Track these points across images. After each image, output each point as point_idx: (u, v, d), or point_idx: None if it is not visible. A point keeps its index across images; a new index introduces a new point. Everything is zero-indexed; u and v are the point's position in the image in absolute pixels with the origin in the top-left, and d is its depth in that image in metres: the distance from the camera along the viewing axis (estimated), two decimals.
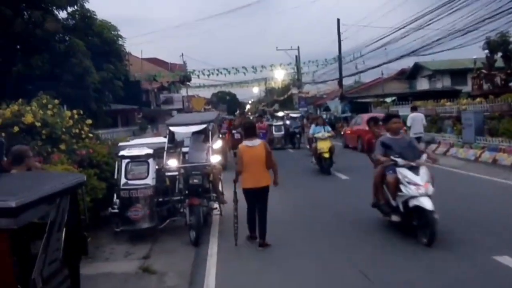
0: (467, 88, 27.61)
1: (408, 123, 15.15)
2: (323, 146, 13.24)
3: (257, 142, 6.84)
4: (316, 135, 13.65)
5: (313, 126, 14.58)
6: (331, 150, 13.27)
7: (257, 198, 6.72)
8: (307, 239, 7.11)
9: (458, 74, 32.75)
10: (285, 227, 7.80)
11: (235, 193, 6.99)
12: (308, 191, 11.34)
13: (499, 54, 23.61)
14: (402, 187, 6.42)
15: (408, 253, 6.04)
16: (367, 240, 6.78)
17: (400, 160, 6.58)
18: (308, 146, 15.75)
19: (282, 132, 22.72)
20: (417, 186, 6.27)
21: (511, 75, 23.02)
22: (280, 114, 28.36)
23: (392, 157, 6.65)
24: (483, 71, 23.60)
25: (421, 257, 5.84)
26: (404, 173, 6.47)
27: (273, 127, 22.71)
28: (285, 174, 11.96)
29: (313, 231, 7.58)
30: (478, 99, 17.85)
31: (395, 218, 6.74)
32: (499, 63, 23.73)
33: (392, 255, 6.02)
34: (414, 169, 6.51)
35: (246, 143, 6.83)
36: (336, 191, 11.14)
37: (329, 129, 14.30)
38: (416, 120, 15.56)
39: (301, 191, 11.33)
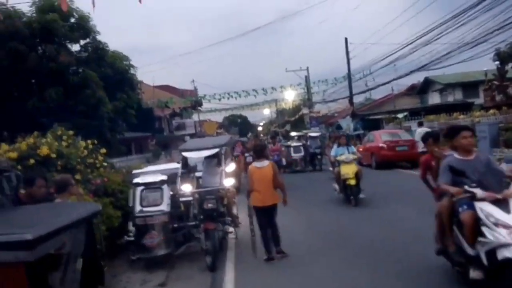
0: (479, 100, 27.42)
1: (417, 138, 16.13)
2: (348, 171, 11.02)
3: (265, 163, 7.34)
4: (338, 158, 11.55)
5: (335, 146, 12.62)
6: (357, 176, 11.01)
7: (266, 216, 7.26)
8: (330, 269, 7.01)
9: (469, 86, 32.56)
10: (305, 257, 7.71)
11: (249, 208, 7.32)
12: (332, 223, 9.56)
13: (510, 64, 23.49)
14: (485, 230, 4.47)
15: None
16: None
17: (479, 192, 4.66)
18: (331, 168, 13.77)
19: (302, 153, 20.85)
20: (510, 230, 4.30)
21: None
22: (297, 133, 26.09)
23: (466, 187, 4.76)
24: (495, 82, 23.46)
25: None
26: (487, 209, 4.53)
27: (291, 149, 20.86)
28: (305, 203, 11.85)
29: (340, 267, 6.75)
30: (491, 111, 17.71)
31: (475, 274, 4.64)
32: (510, 73, 23.59)
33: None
34: (502, 204, 4.55)
35: (255, 164, 7.40)
36: (364, 221, 9.33)
37: (354, 149, 12.05)
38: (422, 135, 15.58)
39: (325, 224, 9.58)
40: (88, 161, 9.22)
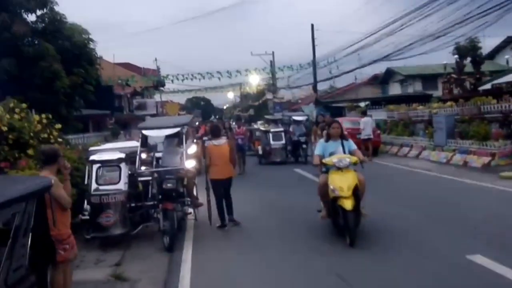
0: (438, 92, 28.21)
1: (361, 127, 17.80)
2: (341, 185, 6.55)
3: (222, 141, 8.44)
4: (326, 160, 6.94)
5: (321, 140, 7.66)
6: (356, 194, 6.59)
7: (224, 187, 8.24)
8: (286, 245, 7.06)
9: (429, 79, 33.43)
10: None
11: (207, 182, 8.24)
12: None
13: (468, 59, 24.26)
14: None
15: (380, 255, 6.02)
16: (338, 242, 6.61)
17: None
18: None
19: (283, 142, 17.82)
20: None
21: (480, 79, 23.69)
22: (276, 117, 22.55)
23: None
24: (453, 75, 24.18)
25: (395, 259, 5.86)
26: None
27: (270, 135, 17.82)
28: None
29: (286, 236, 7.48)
30: (448, 103, 18.22)
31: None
32: (468, 68, 24.36)
33: (365, 258, 5.97)
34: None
35: (213, 142, 8.34)
36: None
37: (353, 146, 7.33)
38: (366, 123, 17.87)
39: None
40: (42, 136, 8.81)
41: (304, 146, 17.38)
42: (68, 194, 4.81)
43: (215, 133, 8.50)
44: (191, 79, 34.82)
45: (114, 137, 19.61)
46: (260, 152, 18.57)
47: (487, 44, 28.29)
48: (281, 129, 18.49)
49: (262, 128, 20.08)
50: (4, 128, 7.76)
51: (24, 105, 9.15)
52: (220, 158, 8.13)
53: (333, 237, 6.91)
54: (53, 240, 4.18)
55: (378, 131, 20.05)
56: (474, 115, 15.50)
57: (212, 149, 8.21)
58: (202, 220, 8.40)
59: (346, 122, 19.95)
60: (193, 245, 7.22)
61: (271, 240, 7.24)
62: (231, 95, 66.40)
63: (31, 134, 8.38)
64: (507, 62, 28.95)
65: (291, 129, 18.36)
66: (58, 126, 9.49)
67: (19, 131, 8.01)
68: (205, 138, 13.84)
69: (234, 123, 22.74)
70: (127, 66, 39.30)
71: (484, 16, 14.48)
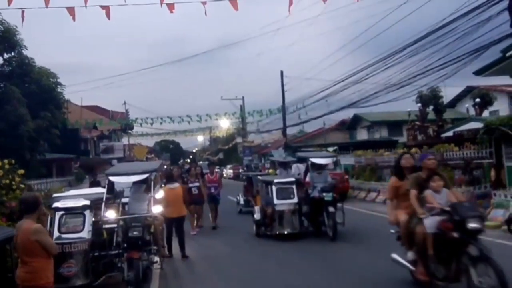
0: (403, 138, 28.99)
1: (292, 171, 17.94)
2: None
3: (176, 185, 9.83)
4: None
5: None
6: None
7: (176, 224, 9.40)
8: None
9: (394, 125, 34.44)
10: None
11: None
12: None
13: (431, 107, 25.22)
14: None
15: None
16: None
17: None
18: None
19: (295, 200, 10.97)
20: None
21: (442, 126, 24.55)
22: (286, 158, 16.37)
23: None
24: (417, 123, 25.00)
25: None
26: None
27: (273, 189, 11.06)
28: None
29: None
30: (413, 149, 18.69)
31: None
32: (431, 115, 25.27)
33: None
34: None
35: (168, 186, 9.66)
36: None
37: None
38: (298, 169, 18.64)
39: None
40: (4, 182, 8.53)
41: (331, 208, 10.29)
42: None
43: (169, 178, 10.03)
44: (161, 123, 34.78)
45: (79, 181, 19.15)
46: (258, 216, 11.37)
47: (448, 93, 29.58)
48: (291, 179, 11.59)
49: (260, 178, 13.59)
50: None
51: None
52: (174, 199, 9.33)
53: None
54: None
55: (346, 176, 20.30)
56: (438, 161, 15.91)
57: (167, 192, 9.30)
58: (168, 269, 8.12)
59: None
60: None
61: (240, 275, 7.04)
62: (200, 139, 66.46)
63: None
64: (467, 110, 30.20)
65: (307, 178, 11.60)
66: (21, 171, 9.23)
67: None
68: (191, 184, 12.53)
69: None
70: (95, 109, 38.99)
71: (443, 68, 15.17)
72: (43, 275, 4.49)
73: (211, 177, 13.81)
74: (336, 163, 18.93)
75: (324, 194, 10.49)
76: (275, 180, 11.36)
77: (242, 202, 16.29)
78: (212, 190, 13.24)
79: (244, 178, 18.34)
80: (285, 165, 14.14)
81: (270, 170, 16.72)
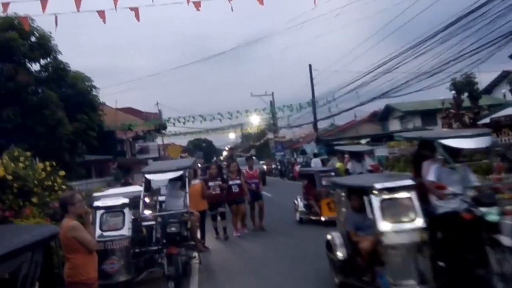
0: (438, 127, 28.37)
1: (312, 165, 20.10)
2: None
3: (196, 181, 10.15)
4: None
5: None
6: None
7: (202, 217, 9.70)
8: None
9: (428, 114, 33.69)
10: None
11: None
12: None
13: (466, 94, 24.58)
14: None
15: None
16: None
17: None
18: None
19: (419, 224, 5.31)
20: None
21: (478, 113, 23.88)
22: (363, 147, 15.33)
23: None
24: (452, 111, 24.41)
25: None
26: None
27: (375, 203, 5.49)
28: None
29: None
30: None
31: None
32: (466, 102, 24.64)
33: None
34: None
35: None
36: None
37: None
38: (316, 163, 21.73)
39: None
40: (46, 184, 8.88)
41: (505, 240, 5.01)
42: (92, 235, 4.98)
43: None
44: (193, 122, 35.22)
45: (117, 181, 19.65)
46: (341, 253, 6.15)
47: (484, 79, 28.74)
48: (407, 181, 5.78)
49: (336, 180, 8.13)
50: (9, 177, 7.83)
51: (28, 154, 9.27)
52: (194, 195, 9.20)
53: None
54: (82, 286, 4.23)
55: (381, 168, 20.06)
56: (473, 149, 15.54)
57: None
58: (207, 263, 8.29)
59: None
60: None
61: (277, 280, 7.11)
62: (232, 136, 66.81)
63: (35, 182, 8.45)
64: (504, 96, 29.28)
65: (432, 177, 5.69)
66: (62, 173, 9.58)
67: (24, 179, 8.08)
68: (231, 182, 11.42)
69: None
70: (129, 111, 39.80)
71: (476, 53, 14.79)
72: (83, 271, 4.64)
73: (251, 172, 12.30)
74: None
75: (482, 210, 5.08)
76: (377, 185, 5.58)
77: (301, 207, 12.37)
78: (253, 187, 11.92)
79: (303, 175, 14.33)
80: (359, 156, 11.84)
81: (338, 164, 13.00)
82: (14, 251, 3.04)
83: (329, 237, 6.58)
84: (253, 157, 16.90)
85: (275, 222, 12.30)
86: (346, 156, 13.11)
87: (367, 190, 5.70)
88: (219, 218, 11.18)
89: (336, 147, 16.41)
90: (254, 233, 11.49)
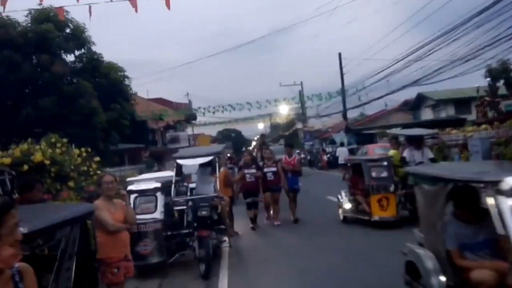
0: (472, 116, 27.65)
1: (337, 154, 22.63)
2: None
3: (221, 169, 9.32)
4: None
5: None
6: None
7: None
8: (328, 265, 6.99)
9: (461, 103, 32.87)
10: None
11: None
12: None
13: (501, 81, 23.86)
14: None
15: None
16: None
17: None
18: None
19: None
20: None
21: None
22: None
23: None
24: (487, 98, 23.74)
25: None
26: None
27: (505, 207, 3.14)
28: None
29: None
30: (483, 126, 17.85)
31: None
32: (502, 90, 23.91)
33: None
34: None
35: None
36: None
37: None
38: (341, 152, 23.38)
39: None
40: (82, 169, 9.16)
41: None
42: (132, 218, 5.11)
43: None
44: (222, 111, 35.42)
45: (149, 169, 20.06)
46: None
47: None
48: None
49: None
50: (47, 162, 8.12)
51: (64, 140, 9.58)
52: (220, 183, 8.65)
53: None
54: (101, 264, 4.36)
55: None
56: (510, 137, 15.12)
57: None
58: (237, 247, 8.44)
59: (377, 148, 19.84)
60: (228, 272, 7.27)
61: (308, 266, 7.20)
62: (261, 126, 66.88)
63: (72, 167, 8.73)
64: None
65: None
66: (97, 159, 9.85)
67: (61, 164, 8.36)
68: (246, 170, 10.90)
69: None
70: (160, 101, 40.39)
71: None
72: (102, 249, 4.62)
73: (289, 159, 11.49)
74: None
75: None
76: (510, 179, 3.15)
77: (347, 204, 10.45)
78: (289, 177, 11.14)
79: (347, 165, 12.00)
80: (418, 142, 9.91)
81: (391, 151, 10.42)
82: (55, 225, 3.20)
83: (412, 256, 4.49)
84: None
85: (309, 216, 11.51)
86: (401, 142, 11.08)
87: (488, 187, 3.52)
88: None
89: (389, 131, 14.39)
90: (289, 223, 10.95)
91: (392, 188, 9.38)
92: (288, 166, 11.25)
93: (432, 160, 9.67)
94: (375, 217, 9.30)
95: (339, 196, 10.75)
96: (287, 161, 11.42)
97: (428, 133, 11.60)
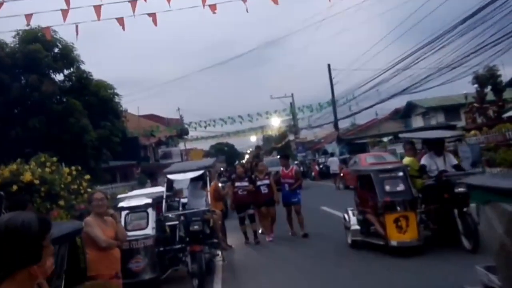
0: (462, 122, 27.90)
1: (328, 164, 24.00)
2: None
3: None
4: None
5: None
6: None
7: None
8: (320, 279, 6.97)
9: (451, 109, 33.20)
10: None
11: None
12: None
13: (489, 87, 24.14)
14: None
15: None
16: None
17: None
18: None
19: None
20: None
21: (503, 106, 23.44)
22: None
23: None
24: (475, 105, 23.99)
25: None
26: None
27: None
28: None
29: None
30: (472, 132, 18.03)
31: None
32: (490, 96, 24.19)
33: None
34: None
35: None
36: None
37: None
38: (333, 162, 24.86)
39: None
40: (72, 188, 9.12)
41: None
42: (122, 235, 5.03)
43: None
44: (213, 125, 35.49)
45: (141, 186, 19.99)
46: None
47: (508, 72, 28.15)
48: None
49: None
50: (36, 181, 8.08)
51: (54, 159, 9.55)
52: (211, 197, 8.48)
53: None
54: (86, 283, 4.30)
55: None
56: (499, 142, 15.28)
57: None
58: (230, 261, 8.39)
59: (369, 157, 19.90)
60: (222, 287, 7.21)
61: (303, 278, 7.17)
62: (253, 139, 66.94)
63: (62, 186, 8.69)
64: None
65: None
66: (87, 177, 9.81)
67: (51, 183, 8.33)
68: (238, 183, 10.48)
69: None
70: (151, 117, 40.41)
71: (497, 44, 14.57)
72: (93, 266, 4.69)
73: (286, 171, 10.84)
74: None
75: None
76: None
77: (354, 224, 8.63)
78: (286, 188, 10.59)
79: (357, 177, 9.63)
80: (439, 147, 8.37)
81: (407, 159, 8.68)
82: None
83: None
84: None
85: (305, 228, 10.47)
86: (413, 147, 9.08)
87: None
88: (247, 222, 10.51)
89: (401, 135, 12.55)
90: (284, 237, 10.50)
91: (411, 204, 7.57)
92: (286, 179, 10.60)
93: (458, 168, 8.12)
94: (393, 242, 7.44)
95: (346, 216, 8.90)
96: (284, 173, 10.79)
97: (451, 135, 9.85)
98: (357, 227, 8.46)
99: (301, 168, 38.47)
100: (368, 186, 8.25)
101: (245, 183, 10.44)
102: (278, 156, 19.53)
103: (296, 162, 28.34)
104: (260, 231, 10.83)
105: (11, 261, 1.63)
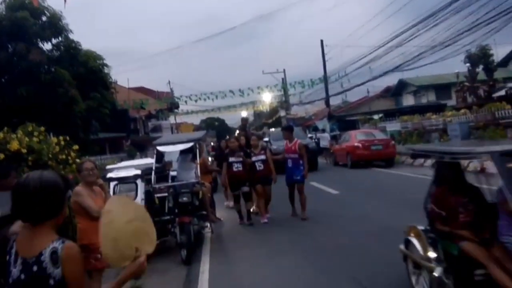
0: (452, 101, 28.05)
1: (319, 139, 24.09)
2: None
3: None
4: None
5: None
6: None
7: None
8: (305, 252, 7.06)
9: (442, 88, 33.33)
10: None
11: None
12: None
13: (481, 67, 24.21)
14: None
15: None
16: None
17: None
18: None
19: None
20: None
21: (493, 86, 23.56)
22: None
23: None
24: (466, 84, 24.10)
25: None
26: None
27: None
28: None
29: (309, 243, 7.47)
30: (462, 111, 18.17)
31: None
32: (481, 75, 24.28)
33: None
34: None
35: None
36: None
37: None
38: (323, 137, 25.48)
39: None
40: (60, 157, 9.02)
41: None
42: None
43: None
44: (204, 100, 35.22)
45: (131, 158, 19.92)
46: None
47: (500, 52, 28.22)
48: None
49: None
50: (24, 150, 7.97)
51: (42, 128, 9.40)
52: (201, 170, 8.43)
53: None
54: (84, 250, 4.31)
55: (393, 142, 19.99)
56: (488, 121, 15.42)
57: None
58: (219, 233, 8.44)
59: (359, 134, 20.01)
60: (210, 257, 7.25)
61: (286, 249, 7.25)
62: (244, 114, 66.73)
63: (50, 155, 8.59)
64: None
65: None
66: (76, 147, 9.70)
67: (38, 152, 8.22)
68: (233, 158, 9.28)
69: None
70: (141, 90, 40.02)
71: (490, 23, 14.50)
72: (84, 236, 4.70)
73: (290, 145, 9.57)
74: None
75: None
76: None
77: (434, 258, 4.19)
78: (290, 165, 9.39)
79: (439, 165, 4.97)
80: None
81: None
82: None
83: None
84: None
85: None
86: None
87: None
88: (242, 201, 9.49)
89: None
90: (282, 219, 9.51)
91: None
92: (289, 154, 9.45)
93: None
94: None
95: (410, 240, 4.67)
96: (287, 148, 9.59)
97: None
98: (442, 267, 4.07)
99: None
100: (454, 185, 4.56)
101: (240, 158, 9.34)
102: (280, 129, 17.79)
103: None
104: (252, 209, 9.87)
105: (45, 212, 1.92)
